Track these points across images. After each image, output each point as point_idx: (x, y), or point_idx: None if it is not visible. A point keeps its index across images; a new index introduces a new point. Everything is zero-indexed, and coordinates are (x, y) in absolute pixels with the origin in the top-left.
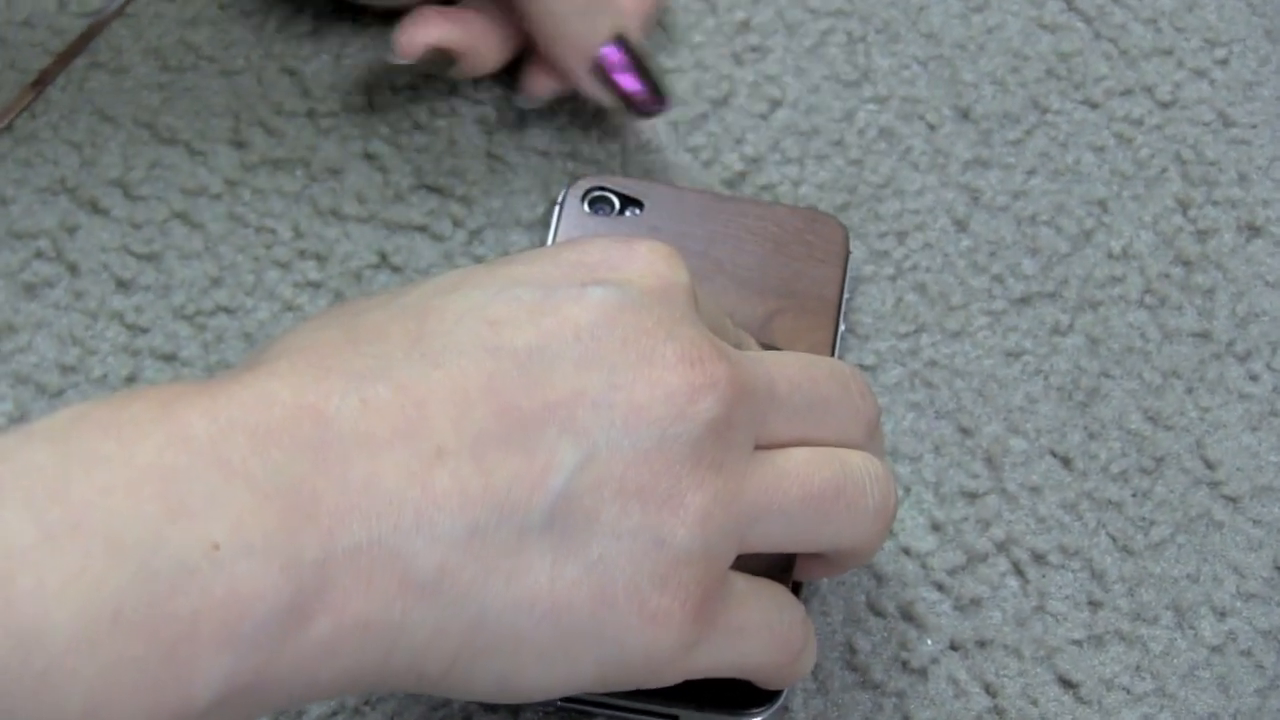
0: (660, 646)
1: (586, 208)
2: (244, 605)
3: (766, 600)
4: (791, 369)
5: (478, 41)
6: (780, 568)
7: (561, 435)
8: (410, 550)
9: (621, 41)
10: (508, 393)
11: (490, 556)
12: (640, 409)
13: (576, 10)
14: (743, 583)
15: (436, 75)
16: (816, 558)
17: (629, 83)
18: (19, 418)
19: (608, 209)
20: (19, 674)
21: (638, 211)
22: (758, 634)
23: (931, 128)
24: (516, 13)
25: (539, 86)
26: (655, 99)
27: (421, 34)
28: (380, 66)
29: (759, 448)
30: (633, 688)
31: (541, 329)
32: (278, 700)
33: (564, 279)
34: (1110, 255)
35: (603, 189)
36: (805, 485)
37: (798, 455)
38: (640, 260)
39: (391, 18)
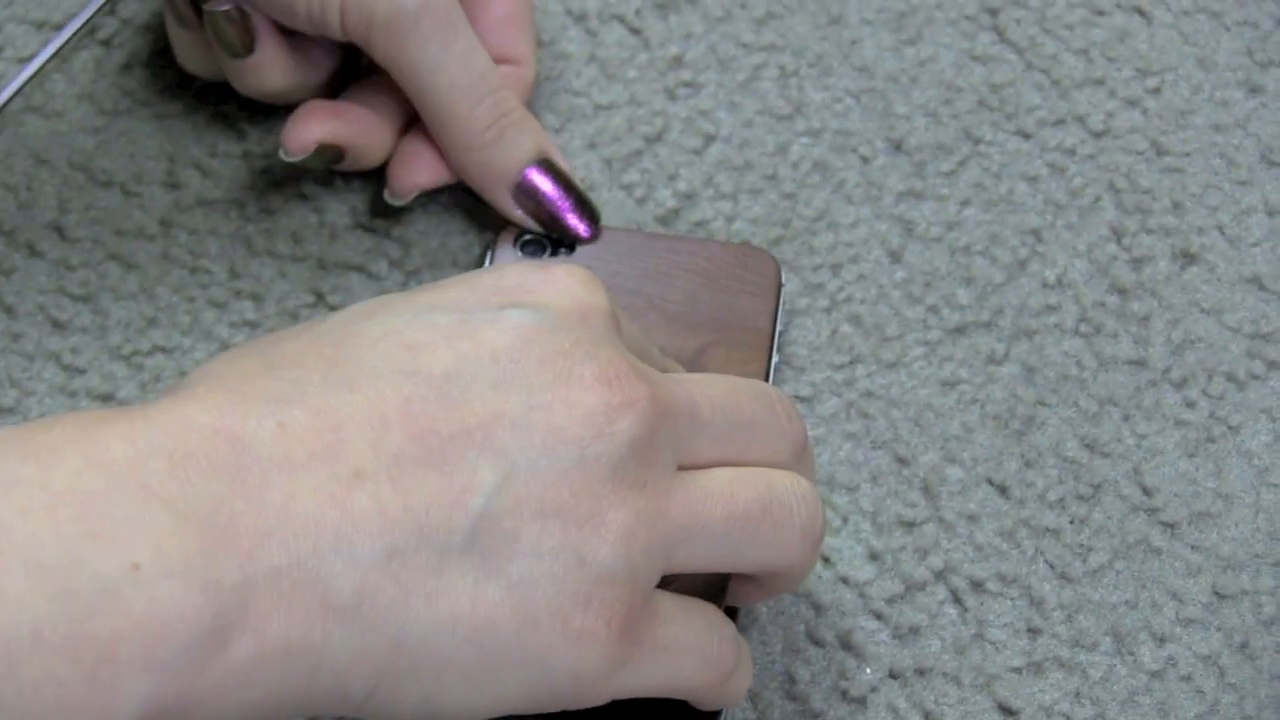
0: (586, 666)
1: (519, 250)
2: (165, 627)
3: (695, 619)
4: (715, 390)
5: (364, 136)
6: (714, 590)
7: (480, 456)
8: (329, 572)
9: (545, 163)
10: (425, 416)
11: (410, 578)
12: (558, 429)
13: (492, 139)
14: (670, 602)
15: (323, 168)
16: (749, 581)
17: (558, 206)
18: None
19: (539, 250)
20: None
21: (568, 253)
22: (687, 653)
23: (865, 160)
24: (405, 113)
25: (407, 183)
26: (585, 221)
27: (308, 131)
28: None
29: (683, 468)
30: (560, 709)
31: (458, 352)
32: None
33: (481, 303)
34: (1045, 284)
35: (534, 231)
36: (730, 505)
37: (722, 475)
38: (557, 284)
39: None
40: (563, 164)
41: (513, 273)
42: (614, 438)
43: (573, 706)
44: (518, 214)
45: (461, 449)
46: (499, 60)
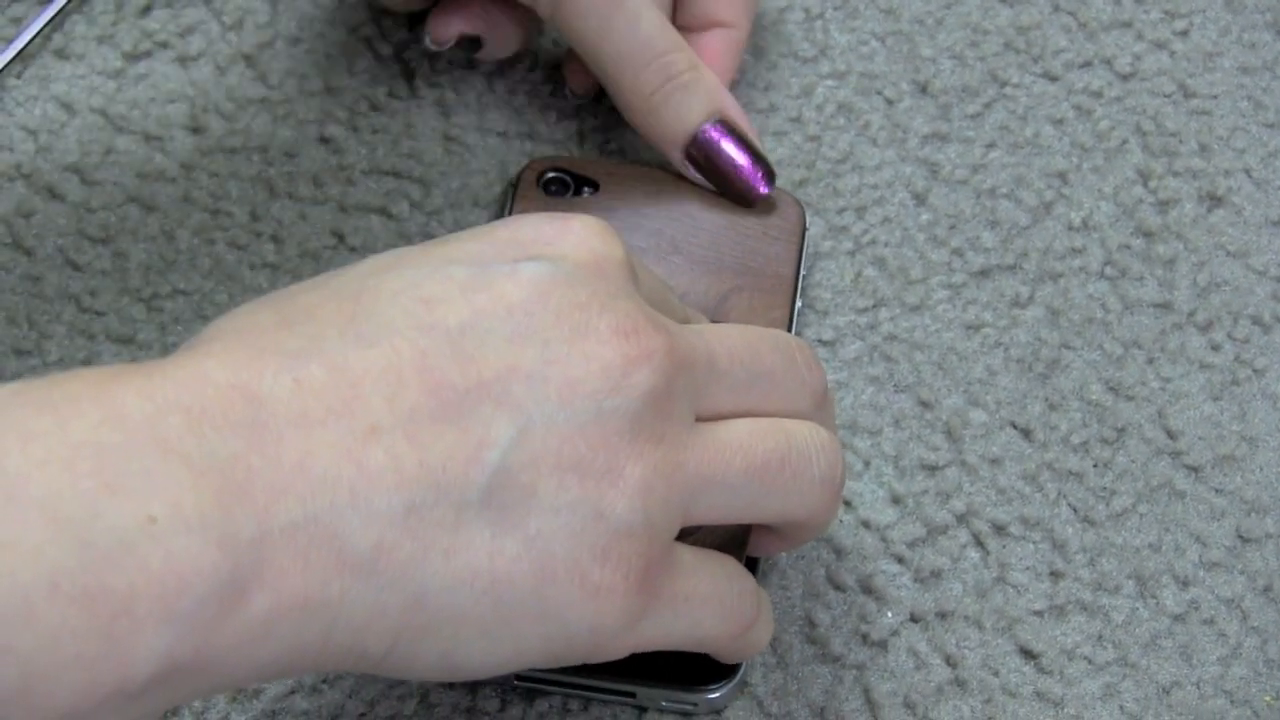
0: (604, 620)
1: (542, 189)
2: (182, 581)
3: (715, 571)
4: (733, 341)
5: (499, 27)
6: (734, 542)
7: (496, 410)
8: (346, 528)
9: (721, 123)
10: (441, 370)
11: (428, 533)
12: (575, 382)
13: (658, 103)
14: (689, 554)
15: (463, 56)
16: (770, 532)
17: (730, 168)
18: None
19: (563, 189)
20: None
21: (593, 192)
22: (706, 604)
23: (890, 103)
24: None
25: (445, 30)
26: (760, 182)
27: (451, 25)
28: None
29: (701, 420)
30: (580, 662)
31: (474, 306)
32: (218, 680)
33: (497, 256)
34: (1070, 227)
35: (558, 169)
36: (748, 456)
37: (740, 426)
38: (574, 235)
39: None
40: (742, 123)
41: (529, 225)
42: (631, 391)
43: (591, 660)
44: (692, 174)
45: (477, 403)
46: (708, 25)
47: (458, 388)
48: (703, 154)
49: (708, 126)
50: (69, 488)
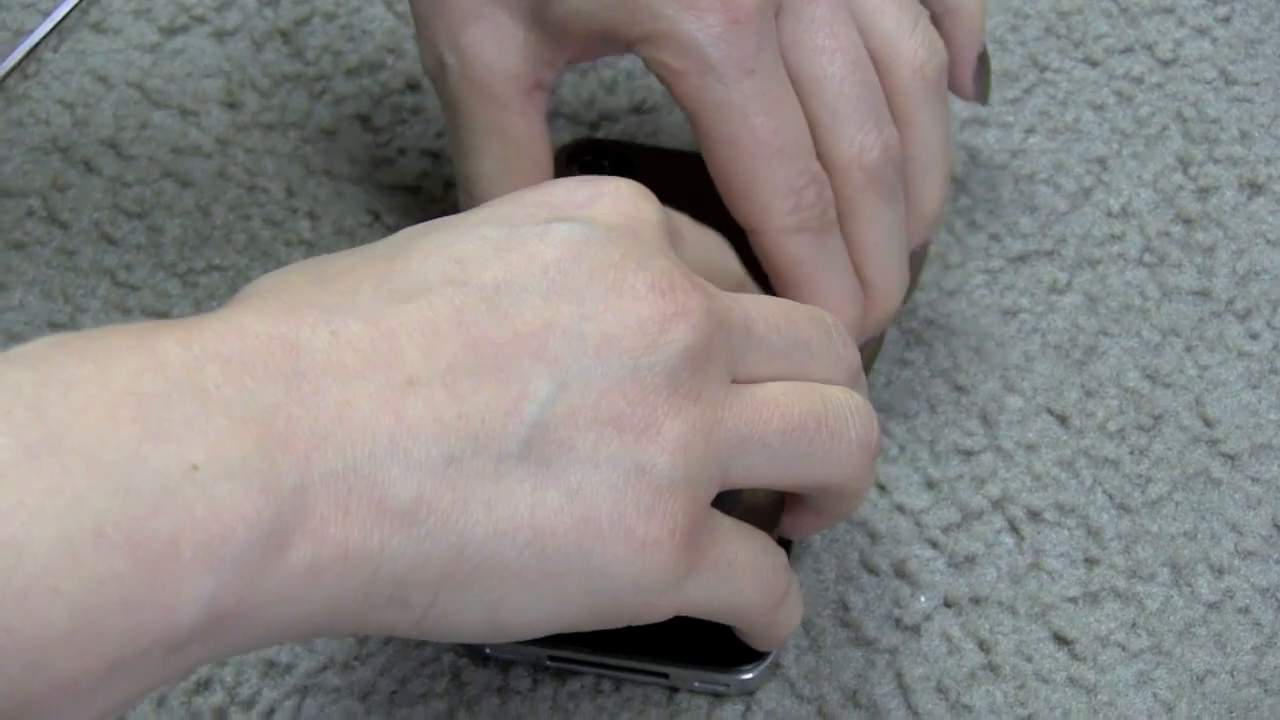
0: (651, 576)
1: (576, 170)
2: (225, 527)
3: (751, 540)
4: (771, 310)
5: None
6: (767, 520)
7: (534, 364)
8: (386, 478)
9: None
10: (477, 325)
11: (468, 484)
12: (612, 338)
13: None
14: (727, 521)
15: None
16: (805, 509)
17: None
18: None
19: (598, 171)
20: (0, 590)
21: (628, 174)
22: (745, 572)
23: None
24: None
25: None
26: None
27: None
28: None
29: (737, 382)
30: (625, 623)
31: (508, 264)
32: (261, 632)
33: (529, 218)
34: (1109, 213)
35: (594, 151)
36: (786, 416)
37: (777, 388)
38: (605, 199)
39: None
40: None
41: (560, 188)
42: (668, 347)
43: (637, 621)
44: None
45: (515, 357)
46: None
47: (494, 341)
48: None
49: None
50: (111, 435)
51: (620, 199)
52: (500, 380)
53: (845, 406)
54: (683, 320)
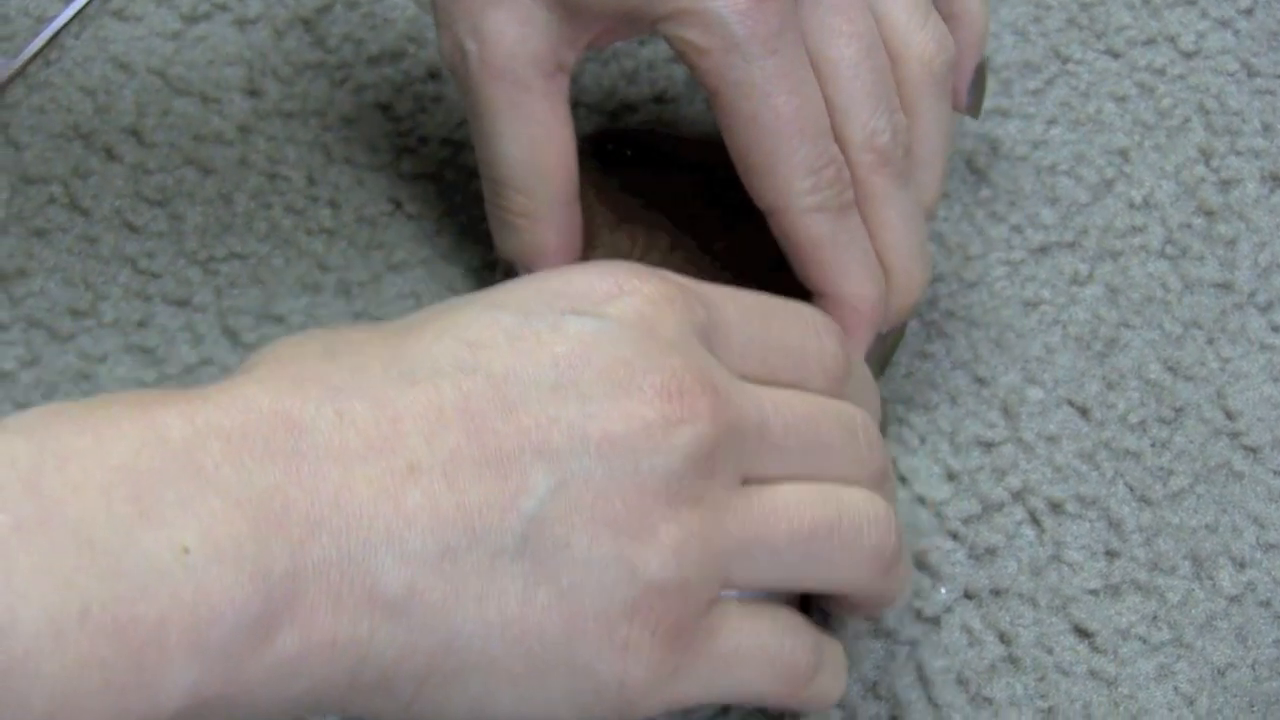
0: (632, 676)
1: (598, 159)
2: (213, 612)
3: (765, 626)
4: (792, 411)
5: None
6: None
7: (535, 460)
8: (380, 567)
9: None
10: (483, 415)
11: (461, 578)
12: (615, 439)
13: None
14: (736, 610)
15: None
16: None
17: None
18: (30, 362)
19: (620, 160)
20: None
21: (650, 162)
22: (752, 662)
23: None
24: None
25: None
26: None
27: None
28: None
29: (749, 482)
30: (615, 719)
31: (519, 353)
32: (244, 714)
33: (546, 307)
34: (1131, 205)
35: (616, 140)
36: (794, 522)
37: (789, 491)
38: (626, 296)
39: None
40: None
41: (582, 278)
42: (671, 452)
43: (625, 717)
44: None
45: (517, 450)
46: None
47: (499, 433)
48: None
49: None
50: (104, 513)
51: (640, 302)
52: (501, 473)
53: (862, 513)
54: (688, 425)
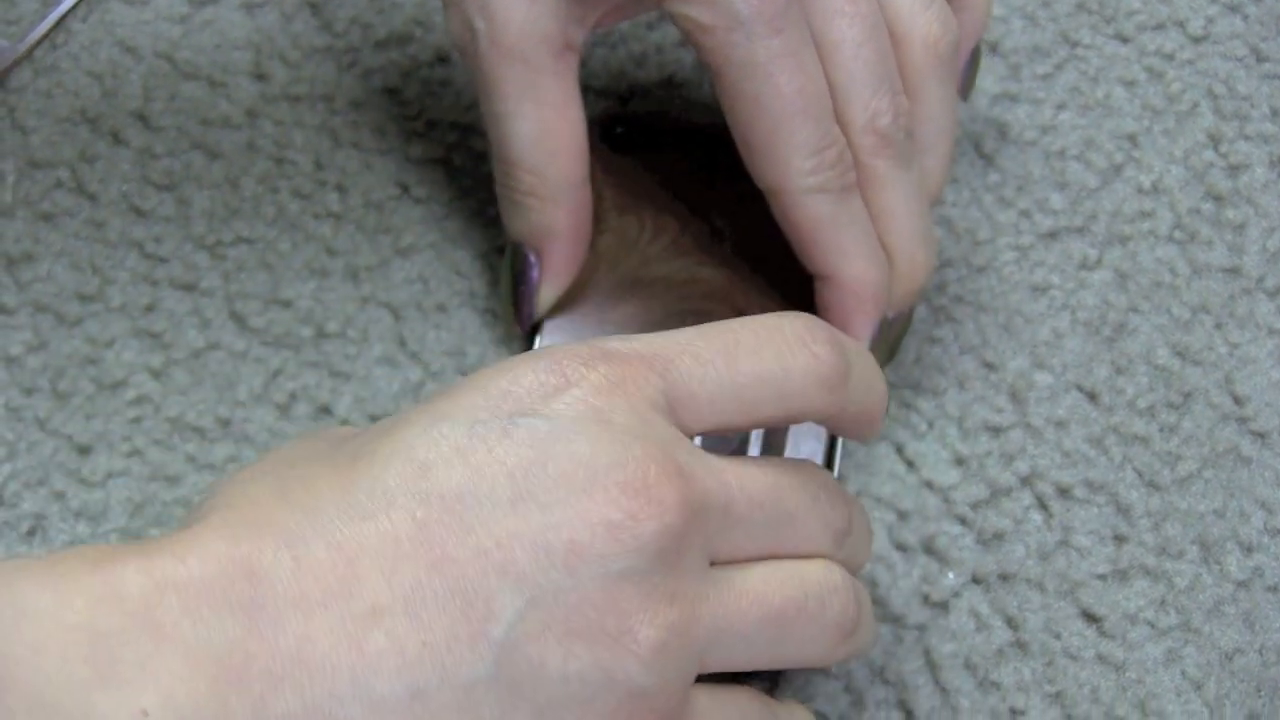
0: None
1: (607, 143)
2: None
3: (732, 713)
4: (755, 484)
5: None
6: None
7: (500, 582)
8: (347, 717)
9: None
10: (441, 542)
11: (433, 717)
12: (579, 547)
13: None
14: (705, 697)
15: None
16: None
17: None
18: (38, 346)
19: (629, 143)
20: None
21: (659, 146)
22: None
23: None
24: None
25: None
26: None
27: None
28: None
29: (716, 563)
30: None
31: (470, 468)
32: None
33: (491, 412)
34: (1140, 190)
35: (624, 124)
36: (764, 606)
37: (756, 575)
38: (573, 388)
39: None
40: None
41: (528, 374)
42: (640, 551)
43: None
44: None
45: (480, 575)
46: None
47: (458, 560)
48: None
49: None
50: (61, 676)
51: (589, 388)
52: (466, 602)
53: (823, 588)
54: (655, 519)
